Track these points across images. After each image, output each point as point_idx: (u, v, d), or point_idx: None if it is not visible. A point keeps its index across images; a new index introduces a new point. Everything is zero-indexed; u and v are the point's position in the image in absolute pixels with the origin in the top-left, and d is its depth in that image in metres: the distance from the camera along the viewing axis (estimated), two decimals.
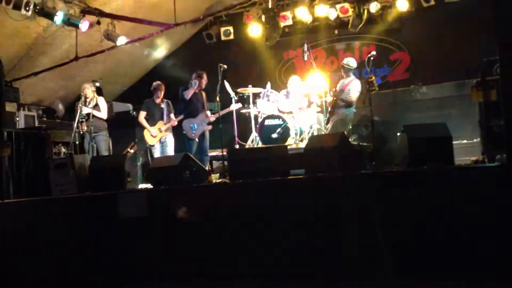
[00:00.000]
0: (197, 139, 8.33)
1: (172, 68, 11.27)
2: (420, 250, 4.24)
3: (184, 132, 8.38)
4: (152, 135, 8.49)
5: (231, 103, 8.78)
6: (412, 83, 9.63)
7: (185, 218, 4.86)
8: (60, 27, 8.53)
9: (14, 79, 9.49)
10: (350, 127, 7.76)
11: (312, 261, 4.51)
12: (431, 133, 4.80)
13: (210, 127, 8.50)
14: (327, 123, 8.08)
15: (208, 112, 8.49)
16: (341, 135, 5.39)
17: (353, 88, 7.86)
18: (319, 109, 8.82)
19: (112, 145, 9.09)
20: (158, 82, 8.75)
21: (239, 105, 8.69)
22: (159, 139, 8.53)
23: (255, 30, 10.21)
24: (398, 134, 5.23)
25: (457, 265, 4.12)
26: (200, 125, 8.35)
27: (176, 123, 8.56)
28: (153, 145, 8.55)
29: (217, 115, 8.26)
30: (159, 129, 8.49)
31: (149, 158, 8.98)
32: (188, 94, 8.25)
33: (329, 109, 8.04)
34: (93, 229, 5.22)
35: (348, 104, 7.86)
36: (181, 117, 8.49)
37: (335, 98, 7.93)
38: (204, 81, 8.47)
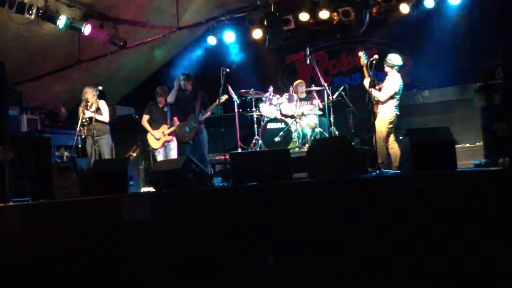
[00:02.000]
0: (191, 142, 8.28)
1: (174, 72, 11.29)
2: (422, 254, 4.23)
3: (177, 137, 8.35)
4: (156, 139, 8.50)
5: (233, 106, 8.79)
6: (415, 87, 9.63)
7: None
8: (63, 31, 8.56)
9: (17, 82, 9.52)
10: (390, 126, 7.40)
11: (314, 265, 4.50)
12: (434, 137, 4.80)
13: (201, 126, 8.42)
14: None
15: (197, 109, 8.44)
16: (343, 139, 5.39)
17: (388, 85, 7.51)
18: (322, 112, 8.84)
19: (115, 148, 9.09)
20: (162, 87, 8.74)
21: (225, 96, 8.50)
22: (163, 143, 8.53)
23: (257, 34, 10.22)
24: (401, 137, 5.23)
25: (458, 269, 4.11)
26: (191, 127, 8.32)
27: None
28: (156, 149, 8.56)
29: (208, 113, 8.30)
30: (163, 132, 8.49)
31: (152, 161, 8.99)
32: (172, 97, 8.32)
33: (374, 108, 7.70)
34: (95, 232, 5.21)
35: (384, 103, 7.47)
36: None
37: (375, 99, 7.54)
38: (190, 82, 8.43)
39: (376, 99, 7.45)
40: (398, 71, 7.59)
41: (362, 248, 4.39)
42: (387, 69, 7.64)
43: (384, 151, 7.37)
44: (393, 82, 7.49)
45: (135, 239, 5.06)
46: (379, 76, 8.52)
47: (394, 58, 7.65)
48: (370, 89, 6.99)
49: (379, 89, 7.55)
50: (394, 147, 7.37)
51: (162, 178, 5.46)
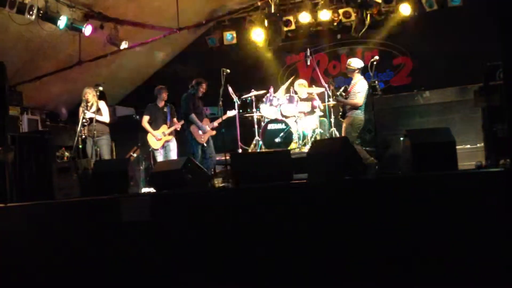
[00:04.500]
0: (205, 144, 8.35)
1: (174, 73, 11.30)
2: (422, 255, 4.23)
3: (193, 137, 8.32)
4: (156, 139, 8.50)
5: (233, 107, 8.80)
6: (415, 88, 9.62)
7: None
8: (63, 31, 8.56)
9: (17, 83, 9.52)
10: (357, 131, 7.55)
11: (312, 266, 4.50)
12: (434, 138, 4.79)
13: (214, 132, 8.53)
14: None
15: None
16: (344, 140, 5.38)
17: (357, 90, 7.62)
18: (322, 113, 8.84)
19: (115, 149, 9.10)
20: (161, 86, 8.76)
21: (234, 112, 8.65)
22: (164, 142, 8.53)
23: (257, 34, 10.23)
24: (401, 138, 5.23)
25: (459, 270, 4.11)
26: (206, 131, 8.40)
27: (179, 127, 8.55)
28: (157, 149, 8.56)
29: (217, 121, 8.38)
30: (163, 132, 8.50)
31: (152, 162, 8.99)
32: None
33: (340, 112, 7.80)
34: (95, 233, 5.21)
35: (354, 107, 7.61)
36: (182, 122, 8.50)
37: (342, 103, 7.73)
38: (203, 89, 8.49)
39: (349, 107, 7.52)
40: (362, 74, 7.68)
41: (364, 248, 4.39)
42: (350, 74, 7.77)
43: None
44: (360, 84, 7.56)
45: (135, 240, 5.05)
46: (379, 77, 8.52)
47: (355, 62, 7.80)
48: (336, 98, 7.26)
49: (346, 97, 7.69)
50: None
51: (162, 178, 5.46)
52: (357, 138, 7.55)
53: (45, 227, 5.41)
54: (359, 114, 7.56)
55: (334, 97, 7.85)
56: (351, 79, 7.96)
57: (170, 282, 4.88)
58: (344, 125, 7.71)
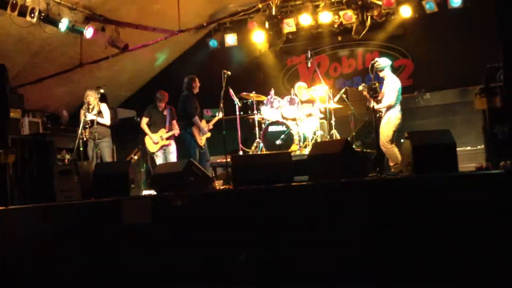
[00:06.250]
0: (202, 147, 8.35)
1: (175, 75, 11.30)
2: (421, 257, 4.23)
3: (194, 138, 8.28)
4: (153, 142, 8.45)
5: (234, 109, 8.79)
6: (416, 90, 9.63)
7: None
8: (64, 34, 8.57)
9: (18, 85, 9.54)
10: (394, 130, 7.33)
11: (313, 266, 4.50)
12: (435, 140, 4.79)
13: (209, 133, 8.53)
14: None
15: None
16: (344, 142, 5.39)
17: (387, 91, 7.43)
18: (323, 115, 8.84)
19: (117, 151, 9.09)
20: (162, 92, 8.68)
21: (221, 114, 8.54)
22: (161, 146, 8.47)
23: (258, 36, 10.25)
24: (402, 140, 5.23)
25: (458, 273, 4.11)
26: (204, 133, 8.41)
27: (178, 132, 8.50)
28: (153, 152, 8.50)
29: (211, 123, 8.47)
30: (161, 136, 8.45)
31: (151, 166, 8.95)
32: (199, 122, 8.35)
33: (377, 115, 7.65)
34: (96, 235, 5.22)
35: (388, 108, 7.38)
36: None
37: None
38: (197, 84, 8.44)
39: (383, 108, 7.39)
40: (392, 71, 7.56)
41: (364, 251, 4.39)
42: (381, 74, 7.62)
43: (395, 153, 7.28)
44: (393, 83, 7.46)
45: (136, 242, 5.06)
46: (380, 79, 8.50)
47: (382, 61, 7.59)
48: (373, 104, 7.01)
49: (380, 99, 7.49)
50: (395, 149, 7.36)
51: (163, 181, 5.46)
52: (396, 137, 7.39)
53: (46, 229, 5.42)
54: (395, 112, 7.36)
55: (370, 102, 7.68)
56: (357, 79, 7.86)
57: (171, 284, 4.89)
58: (381, 124, 7.57)
